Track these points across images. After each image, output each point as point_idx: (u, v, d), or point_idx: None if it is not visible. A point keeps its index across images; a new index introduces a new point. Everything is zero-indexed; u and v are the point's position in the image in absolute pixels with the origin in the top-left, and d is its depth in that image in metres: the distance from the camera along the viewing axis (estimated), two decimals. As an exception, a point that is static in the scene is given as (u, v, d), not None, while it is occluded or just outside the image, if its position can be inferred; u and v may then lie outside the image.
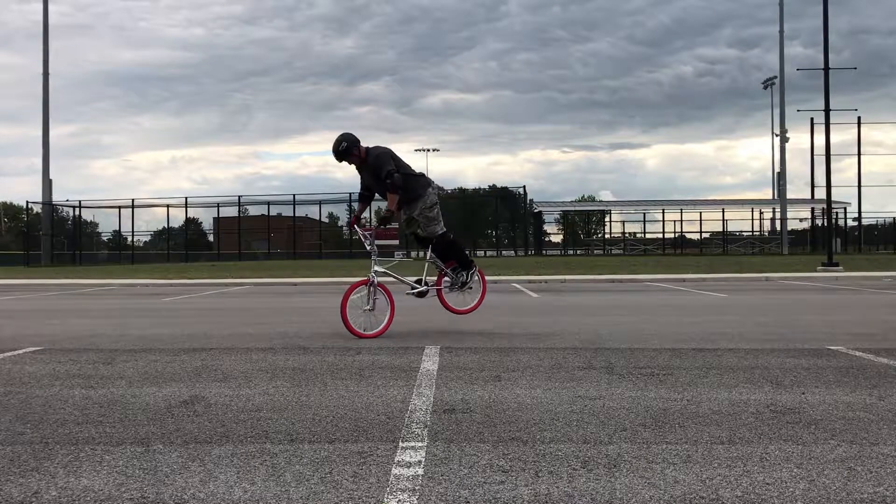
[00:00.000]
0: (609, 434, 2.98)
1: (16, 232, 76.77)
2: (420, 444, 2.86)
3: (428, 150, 65.69)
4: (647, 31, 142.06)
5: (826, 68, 21.58)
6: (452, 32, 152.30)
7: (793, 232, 51.15)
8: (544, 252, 50.86)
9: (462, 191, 69.56)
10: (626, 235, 54.22)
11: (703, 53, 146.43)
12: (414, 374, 4.37)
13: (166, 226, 50.75)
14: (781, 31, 47.55)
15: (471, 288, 6.73)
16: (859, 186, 54.18)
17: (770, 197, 58.59)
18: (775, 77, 53.39)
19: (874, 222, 58.71)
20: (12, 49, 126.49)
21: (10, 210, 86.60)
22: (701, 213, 50.50)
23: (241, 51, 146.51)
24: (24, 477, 2.52)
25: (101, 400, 3.74)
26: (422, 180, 6.46)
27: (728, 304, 10.05)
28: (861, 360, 4.80)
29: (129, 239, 50.87)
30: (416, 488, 2.36)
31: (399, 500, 2.26)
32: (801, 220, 54.18)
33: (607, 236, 55.93)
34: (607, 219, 57.51)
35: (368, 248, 6.36)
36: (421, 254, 7.22)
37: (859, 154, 54.65)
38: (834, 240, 29.53)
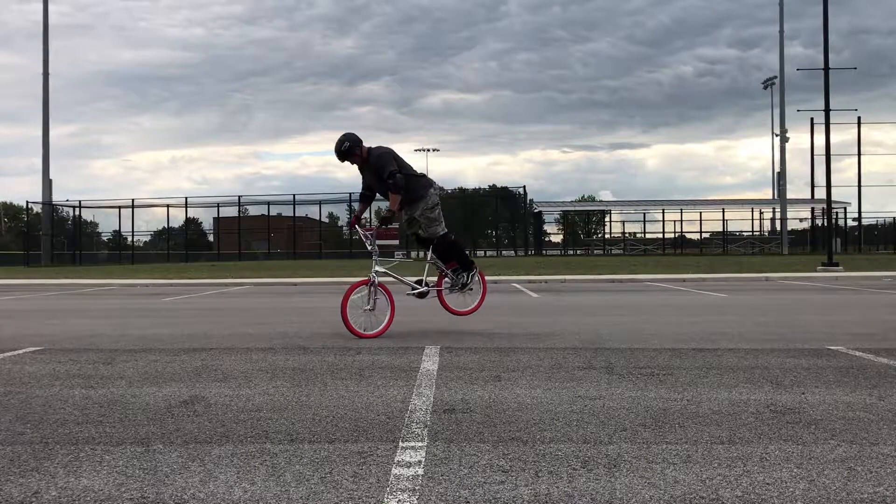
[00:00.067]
0: (609, 434, 2.98)
1: (16, 232, 76.80)
2: (420, 444, 2.86)
3: (428, 150, 65.72)
4: (647, 31, 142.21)
5: (826, 68, 21.59)
6: (452, 32, 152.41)
7: (793, 232, 51.16)
8: (544, 252, 50.86)
9: (462, 191, 69.58)
10: (626, 235, 54.22)
11: (703, 53, 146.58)
12: (414, 374, 4.37)
13: (166, 226, 50.80)
14: (781, 31, 47.57)
15: (471, 289, 6.73)
16: (859, 186, 54.22)
17: (770, 197, 58.60)
18: (775, 77, 53.43)
19: (874, 222, 58.78)
20: (12, 49, 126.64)
21: (10, 210, 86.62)
22: (701, 213, 50.54)
23: (241, 51, 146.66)
24: (24, 477, 2.52)
25: (101, 400, 3.74)
26: (423, 181, 6.46)
27: (728, 304, 10.05)
28: (861, 360, 4.80)
29: (129, 239, 50.91)
30: (416, 488, 2.36)
31: (399, 500, 2.26)
32: (801, 220, 54.23)
33: (607, 236, 55.94)
34: (607, 219, 57.56)
35: (369, 248, 6.36)
36: (421, 254, 7.22)
37: (859, 154, 54.70)
38: (834, 240, 29.53)
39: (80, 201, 47.88)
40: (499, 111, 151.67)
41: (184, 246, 50.38)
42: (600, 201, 77.36)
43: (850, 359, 4.87)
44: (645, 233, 52.92)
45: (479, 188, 74.25)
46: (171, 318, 8.57)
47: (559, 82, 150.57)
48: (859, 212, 54.08)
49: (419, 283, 6.52)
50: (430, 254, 6.57)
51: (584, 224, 72.94)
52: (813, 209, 52.14)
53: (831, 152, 22.49)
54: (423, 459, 2.66)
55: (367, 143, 6.38)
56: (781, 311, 8.70)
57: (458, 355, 5.11)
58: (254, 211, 57.14)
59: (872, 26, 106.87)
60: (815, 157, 54.57)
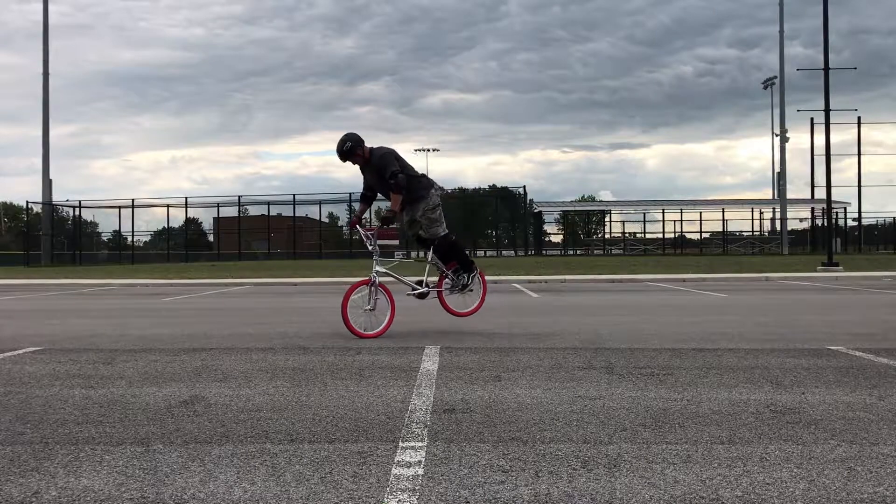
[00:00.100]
0: (609, 434, 2.98)
1: (16, 232, 76.80)
2: (420, 444, 2.86)
3: (428, 150, 65.79)
4: (647, 31, 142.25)
5: (826, 68, 21.58)
6: (452, 32, 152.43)
7: (793, 232, 51.17)
8: (544, 252, 50.86)
9: (462, 191, 69.58)
10: (626, 235, 54.23)
11: (703, 53, 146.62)
12: (414, 374, 4.37)
13: (166, 226, 50.82)
14: (781, 31, 47.58)
15: (471, 290, 6.73)
16: (859, 186, 54.23)
17: (770, 197, 58.61)
18: (775, 77, 53.45)
19: (874, 222, 58.80)
20: (12, 49, 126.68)
21: (10, 210, 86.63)
22: (701, 213, 50.55)
23: (241, 51, 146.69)
24: (24, 477, 2.52)
25: (101, 400, 3.74)
26: (424, 182, 6.47)
27: (728, 304, 10.05)
28: (861, 360, 4.80)
29: (129, 239, 50.92)
30: (416, 488, 2.36)
31: (399, 500, 2.26)
32: (801, 220, 54.25)
33: (607, 236, 55.95)
34: (607, 219, 57.57)
35: (370, 248, 6.36)
36: (421, 254, 7.21)
37: (859, 154, 54.72)
38: (834, 240, 29.53)
39: (80, 201, 47.95)
40: (499, 111, 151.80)
41: (184, 246, 50.39)
42: (600, 201, 77.38)
43: (850, 359, 4.87)
44: (645, 233, 52.95)
45: (479, 188, 74.33)
46: (171, 318, 8.57)
47: (559, 82, 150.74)
48: (859, 212, 54.16)
49: (420, 283, 6.52)
50: (430, 254, 6.57)
51: (584, 224, 72.96)
52: (813, 209, 52.15)
53: (831, 152, 22.50)
54: (423, 459, 2.66)
55: (368, 144, 6.39)
56: (781, 311, 8.70)
57: (458, 355, 5.11)
58: (254, 211, 57.21)
59: (872, 26, 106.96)
60: (815, 157, 54.63)
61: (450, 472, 2.51)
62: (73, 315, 9.09)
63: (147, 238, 57.28)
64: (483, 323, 7.19)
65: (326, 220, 56.01)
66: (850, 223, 54.28)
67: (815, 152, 53.41)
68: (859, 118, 53.36)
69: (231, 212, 49.65)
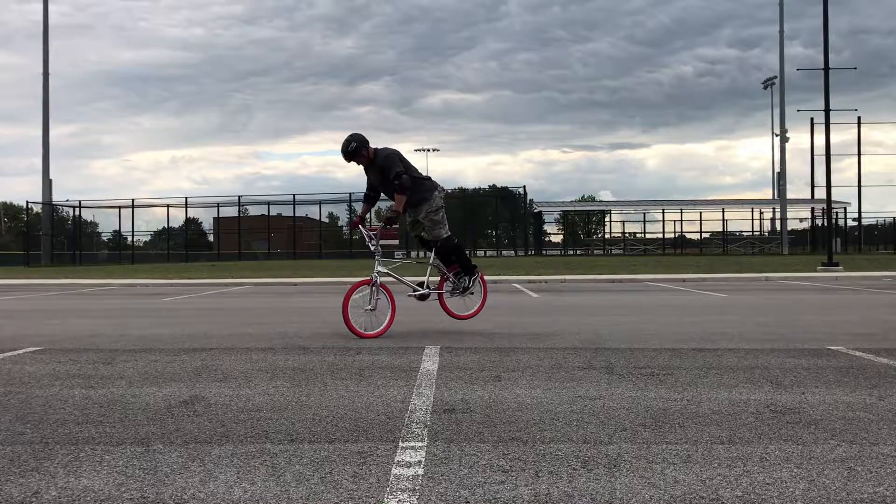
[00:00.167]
0: (609, 434, 2.98)
1: (16, 232, 76.81)
2: (420, 444, 2.86)
3: (428, 150, 65.60)
4: (647, 31, 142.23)
5: (826, 68, 21.59)
6: (452, 32, 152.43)
7: (793, 232, 51.17)
8: (544, 252, 50.88)
9: (462, 191, 69.62)
10: (626, 235, 54.25)
11: (703, 53, 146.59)
12: (414, 374, 4.37)
13: (166, 226, 50.84)
14: (781, 31, 47.58)
15: (472, 293, 6.73)
16: (859, 186, 54.23)
17: (770, 197, 58.62)
18: (775, 77, 53.45)
19: (874, 222, 58.82)
20: (12, 49, 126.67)
21: (10, 210, 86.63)
22: (701, 213, 50.58)
23: (241, 51, 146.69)
24: (24, 477, 2.52)
25: (101, 400, 3.75)
26: (427, 184, 6.49)
27: (728, 304, 10.05)
28: (861, 360, 4.80)
29: (129, 239, 50.94)
30: (416, 488, 2.36)
31: (399, 500, 2.26)
32: (801, 220, 54.27)
33: (607, 236, 55.97)
34: (607, 219, 57.59)
35: (372, 248, 6.36)
36: (422, 254, 7.21)
37: (859, 154, 54.72)
38: (834, 240, 29.53)
39: (80, 201, 47.97)
40: (499, 111, 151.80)
41: (184, 246, 50.40)
42: (600, 201, 77.37)
43: (850, 359, 4.87)
44: (645, 233, 52.96)
45: (479, 188, 74.42)
46: (171, 318, 8.57)
47: (559, 82, 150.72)
48: (859, 212, 54.17)
49: (421, 284, 6.53)
50: (432, 256, 6.57)
51: (584, 224, 72.97)
52: (813, 209, 52.15)
53: (831, 152, 22.50)
54: (423, 459, 2.66)
55: (372, 145, 6.42)
56: (781, 311, 8.70)
57: (458, 355, 5.11)
58: (254, 211, 57.22)
59: (872, 26, 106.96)
60: (815, 157, 54.64)
61: (450, 472, 2.51)
62: (73, 315, 9.09)
63: (147, 238, 57.38)
64: (483, 323, 7.19)
65: (326, 221, 56.04)
66: (850, 223, 54.37)
67: (815, 152, 53.47)
68: (859, 118, 53.43)
69: (231, 212, 49.72)
